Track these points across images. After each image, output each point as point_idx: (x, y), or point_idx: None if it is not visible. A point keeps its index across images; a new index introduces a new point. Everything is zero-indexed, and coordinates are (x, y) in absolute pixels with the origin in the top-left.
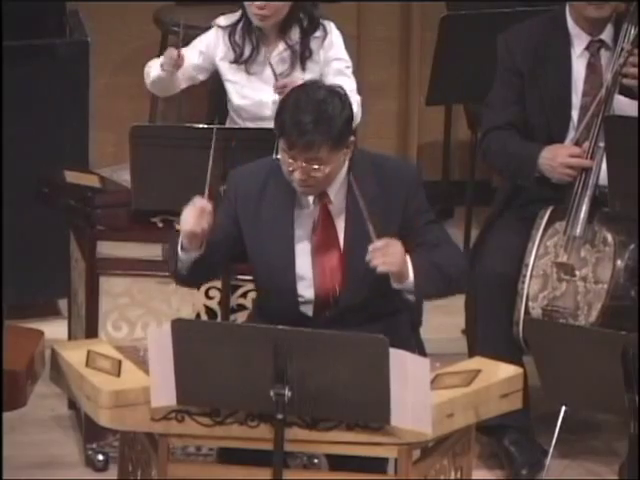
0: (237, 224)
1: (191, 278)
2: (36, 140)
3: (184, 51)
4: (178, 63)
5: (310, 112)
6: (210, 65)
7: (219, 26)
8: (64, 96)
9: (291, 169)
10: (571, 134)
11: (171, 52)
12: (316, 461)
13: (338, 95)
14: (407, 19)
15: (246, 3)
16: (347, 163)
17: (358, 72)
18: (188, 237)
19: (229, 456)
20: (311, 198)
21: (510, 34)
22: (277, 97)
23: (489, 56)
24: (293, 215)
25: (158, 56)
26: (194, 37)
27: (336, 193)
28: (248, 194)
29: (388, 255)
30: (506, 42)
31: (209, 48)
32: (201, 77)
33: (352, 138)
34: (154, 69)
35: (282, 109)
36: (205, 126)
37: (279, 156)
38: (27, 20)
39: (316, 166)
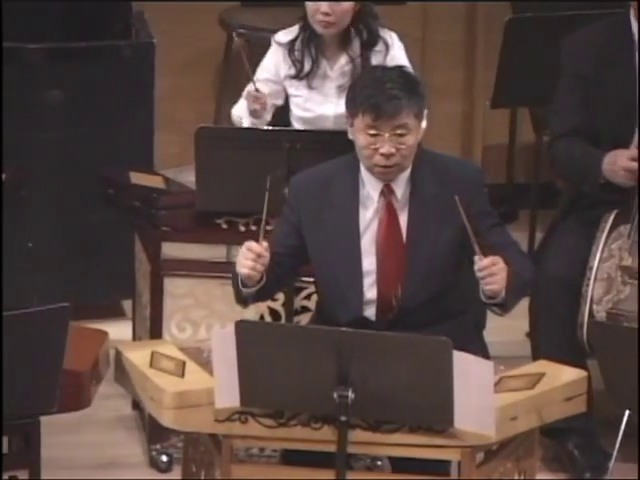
0: (299, 232)
1: (259, 301)
2: (101, 141)
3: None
4: (263, 105)
5: (394, 81)
6: (282, 85)
7: (279, 43)
8: (129, 97)
9: (376, 146)
10: (637, 138)
11: (251, 99)
12: (379, 463)
13: (407, 72)
14: (472, 22)
15: (310, 11)
16: (412, 160)
17: (422, 75)
18: (245, 279)
19: (292, 458)
20: (376, 195)
21: (573, 38)
22: (339, 111)
23: (554, 58)
24: (358, 215)
25: (224, 59)
26: (259, 39)
27: (400, 189)
28: (310, 199)
29: (496, 275)
30: (569, 47)
31: (274, 70)
32: (280, 102)
33: (426, 111)
34: (245, 120)
35: (355, 91)
36: (270, 128)
37: (357, 141)
38: (93, 21)
39: (402, 131)
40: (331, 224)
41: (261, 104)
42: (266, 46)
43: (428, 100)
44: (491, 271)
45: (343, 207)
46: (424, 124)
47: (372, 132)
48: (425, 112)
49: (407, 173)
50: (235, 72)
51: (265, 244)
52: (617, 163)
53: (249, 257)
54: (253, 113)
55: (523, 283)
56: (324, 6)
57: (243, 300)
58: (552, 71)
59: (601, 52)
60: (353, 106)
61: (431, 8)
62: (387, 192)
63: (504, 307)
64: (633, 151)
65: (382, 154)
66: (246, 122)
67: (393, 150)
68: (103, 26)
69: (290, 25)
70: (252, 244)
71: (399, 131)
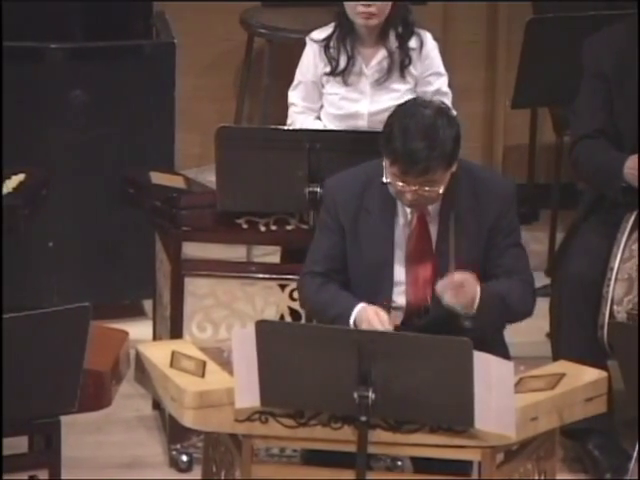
0: (343, 233)
1: None
2: (122, 141)
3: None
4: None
5: (421, 139)
6: (322, 87)
7: (314, 40)
8: (150, 97)
9: (403, 191)
10: None
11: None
12: (400, 463)
13: (445, 114)
14: (493, 22)
15: (351, 3)
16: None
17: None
18: None
19: (313, 458)
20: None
21: (595, 39)
22: (373, 109)
23: (575, 59)
24: (394, 225)
25: (245, 59)
26: (280, 39)
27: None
28: (347, 202)
29: (460, 295)
30: (591, 47)
31: (312, 73)
32: (322, 102)
33: (458, 152)
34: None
35: (391, 136)
36: (291, 128)
37: (388, 180)
38: (114, 21)
39: (429, 187)
40: (366, 232)
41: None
42: (287, 46)
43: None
44: (458, 291)
45: (379, 216)
46: (457, 164)
47: (399, 181)
48: (457, 154)
49: None
50: (256, 72)
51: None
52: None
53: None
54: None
55: (506, 308)
56: None
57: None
58: (573, 71)
59: (622, 52)
60: (385, 149)
61: (452, 8)
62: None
63: (474, 320)
64: None
65: (408, 199)
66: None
67: (417, 197)
68: (124, 26)
69: (311, 24)
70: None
71: (426, 186)
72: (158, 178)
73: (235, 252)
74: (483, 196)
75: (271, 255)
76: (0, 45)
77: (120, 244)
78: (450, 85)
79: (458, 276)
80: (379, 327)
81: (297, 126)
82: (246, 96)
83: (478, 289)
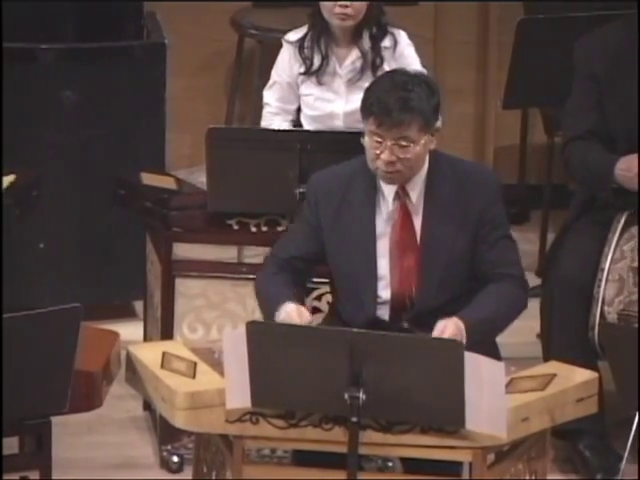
0: (319, 236)
1: None
2: (113, 141)
3: None
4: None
5: (401, 90)
6: (297, 87)
7: (289, 42)
8: (141, 98)
9: (378, 151)
10: None
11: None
12: (390, 464)
13: (426, 81)
14: (484, 22)
15: (328, 4)
16: (427, 164)
17: (435, 76)
18: None
19: (304, 458)
20: (390, 198)
21: (587, 40)
22: (348, 109)
23: (566, 60)
24: (375, 218)
25: (236, 60)
26: (271, 40)
27: (415, 193)
28: (329, 196)
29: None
30: (583, 48)
31: (288, 73)
32: (297, 104)
33: (438, 125)
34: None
35: (369, 92)
36: (281, 129)
37: (365, 141)
38: (105, 22)
39: (404, 143)
40: (348, 224)
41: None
42: (278, 46)
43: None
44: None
45: (360, 208)
46: (439, 124)
47: (376, 138)
48: (437, 124)
49: (423, 176)
50: (247, 73)
51: (305, 314)
52: (632, 170)
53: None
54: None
55: (494, 327)
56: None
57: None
58: (564, 72)
59: (615, 53)
60: (362, 107)
61: (443, 8)
62: (402, 194)
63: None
64: None
65: (383, 160)
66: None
67: (394, 158)
68: (115, 27)
69: (302, 25)
70: (295, 315)
71: (402, 142)
72: (149, 179)
73: (226, 253)
74: (468, 187)
75: (262, 256)
76: (0, 45)
77: (111, 245)
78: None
79: (436, 330)
80: (297, 320)
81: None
82: (237, 97)
83: (462, 328)
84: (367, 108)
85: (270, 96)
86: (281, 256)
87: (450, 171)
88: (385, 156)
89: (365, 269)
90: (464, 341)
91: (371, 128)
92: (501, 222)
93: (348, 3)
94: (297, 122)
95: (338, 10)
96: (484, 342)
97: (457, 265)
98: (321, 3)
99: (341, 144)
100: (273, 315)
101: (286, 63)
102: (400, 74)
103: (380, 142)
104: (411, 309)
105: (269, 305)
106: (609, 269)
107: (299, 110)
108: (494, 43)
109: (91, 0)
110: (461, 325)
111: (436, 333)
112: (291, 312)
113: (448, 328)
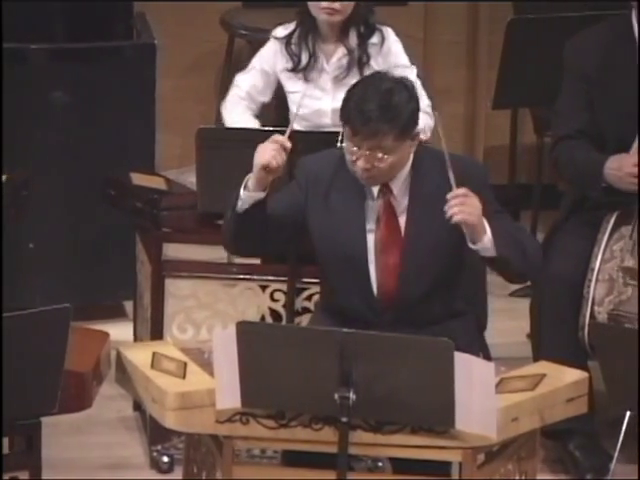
0: (301, 210)
1: (242, 234)
2: (103, 142)
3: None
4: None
5: (376, 101)
6: (274, 82)
7: (276, 37)
8: (131, 98)
9: (354, 158)
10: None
11: (276, 151)
12: (380, 464)
13: (405, 86)
14: (474, 22)
15: (313, 5)
16: (411, 159)
17: (424, 75)
18: (260, 172)
19: (294, 459)
20: (375, 191)
21: (576, 40)
22: (336, 106)
23: (556, 60)
24: (364, 205)
25: (225, 60)
26: (261, 40)
27: (399, 189)
28: (319, 180)
29: (466, 205)
30: (573, 48)
31: (270, 65)
32: (266, 99)
33: (418, 131)
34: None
35: (348, 98)
36: (271, 128)
37: (343, 144)
38: (95, 22)
39: (380, 155)
40: (337, 208)
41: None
42: None
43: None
44: (463, 201)
45: (349, 193)
46: (413, 142)
47: (352, 145)
48: (415, 132)
49: (406, 171)
50: (236, 73)
51: (289, 143)
52: (623, 170)
53: (271, 147)
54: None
55: (520, 244)
56: None
57: (231, 225)
58: (554, 72)
59: (604, 53)
60: (341, 112)
61: (433, 8)
62: (385, 190)
63: (494, 251)
64: (638, 157)
65: (359, 166)
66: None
67: (369, 166)
68: (105, 27)
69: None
70: (277, 136)
71: (377, 152)
72: (139, 179)
73: (216, 253)
74: (455, 179)
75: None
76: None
77: (101, 245)
78: (427, 84)
79: (460, 189)
80: (266, 150)
81: (227, 108)
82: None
83: (483, 218)
84: (345, 115)
85: (243, 80)
86: None
87: (435, 163)
88: (361, 163)
89: (357, 257)
90: (486, 226)
91: (348, 135)
92: (491, 200)
93: None
94: (259, 115)
95: (325, 4)
96: (507, 247)
97: (440, 254)
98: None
99: (331, 144)
100: (235, 202)
101: (271, 55)
102: (379, 79)
103: (356, 149)
104: (396, 304)
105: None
106: (599, 269)
107: (277, 108)
108: (484, 43)
109: (81, 0)
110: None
111: (456, 191)
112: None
113: (470, 193)
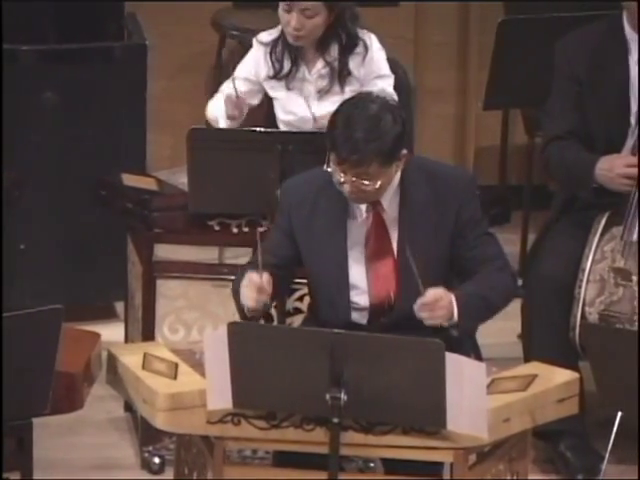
0: (293, 240)
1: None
2: (94, 143)
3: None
4: (241, 111)
5: (361, 128)
6: (260, 86)
7: (260, 42)
8: (122, 99)
9: (342, 181)
10: (630, 141)
11: (232, 104)
12: (372, 465)
13: (390, 110)
14: (465, 23)
15: (282, 21)
16: (400, 172)
17: (415, 76)
18: (252, 311)
19: (285, 459)
20: (364, 207)
21: (567, 41)
22: (320, 113)
23: (546, 60)
24: (346, 225)
25: (216, 61)
26: (252, 41)
27: (389, 202)
28: (301, 203)
29: (436, 310)
30: (564, 49)
31: (254, 70)
32: (256, 102)
33: (404, 152)
34: (221, 120)
35: (333, 124)
36: (262, 130)
37: (330, 169)
38: (86, 23)
39: (366, 182)
40: (320, 232)
41: (239, 110)
42: None
43: (420, 102)
44: (433, 307)
45: (332, 216)
46: (400, 162)
47: (339, 171)
48: (402, 153)
49: (395, 186)
50: (228, 73)
51: (266, 276)
52: (614, 170)
53: (252, 290)
54: (231, 117)
55: (489, 306)
56: (293, 20)
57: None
58: (544, 72)
59: (595, 54)
60: (327, 136)
61: (424, 9)
62: (374, 204)
63: (458, 331)
64: (629, 158)
65: (347, 191)
66: (222, 123)
67: (356, 190)
68: (96, 28)
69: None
70: (252, 277)
71: (363, 179)
72: (130, 180)
73: (207, 254)
74: (442, 189)
75: (243, 257)
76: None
77: (92, 246)
78: (417, 85)
79: (428, 295)
80: (248, 295)
81: (210, 111)
82: None
83: (453, 299)
84: (330, 142)
85: (228, 87)
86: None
87: (423, 175)
88: (347, 188)
89: (337, 277)
90: (455, 311)
91: (334, 161)
92: (478, 219)
93: (299, 26)
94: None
95: (289, 30)
96: (475, 320)
97: (435, 268)
98: (279, 15)
99: (322, 145)
100: (239, 290)
101: (253, 64)
102: (364, 104)
103: (343, 174)
104: (390, 314)
105: (236, 284)
106: (590, 269)
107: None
108: (474, 43)
109: (72, 1)
110: (450, 295)
111: (425, 299)
112: (252, 275)
113: (438, 292)
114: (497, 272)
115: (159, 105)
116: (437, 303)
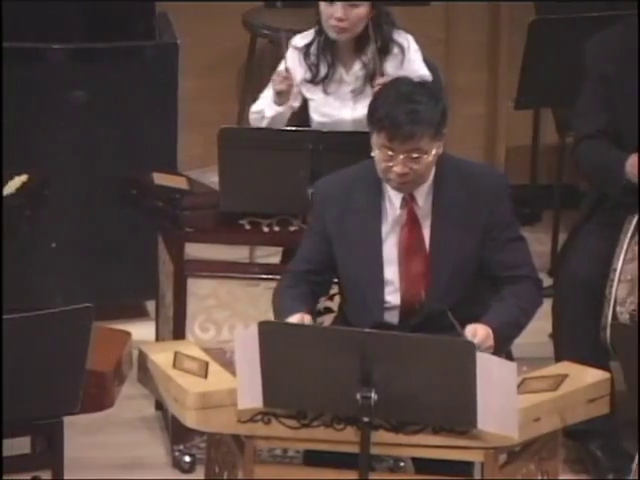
0: (328, 242)
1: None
2: (124, 142)
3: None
4: (290, 87)
5: (404, 104)
6: (298, 89)
7: (295, 47)
8: (153, 98)
9: (390, 164)
10: None
11: (279, 79)
12: (402, 464)
13: (428, 88)
14: (495, 22)
15: (324, 15)
16: (434, 168)
17: (446, 76)
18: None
19: (315, 458)
20: (398, 203)
21: (598, 39)
22: (356, 115)
23: (577, 60)
24: (380, 222)
25: (247, 60)
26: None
27: (424, 198)
28: (334, 201)
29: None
30: (594, 48)
31: (291, 74)
32: (297, 104)
33: (445, 130)
34: (267, 110)
35: (375, 106)
36: (293, 129)
37: (375, 154)
38: (117, 22)
39: (416, 155)
40: (354, 231)
41: (288, 85)
42: None
43: (451, 102)
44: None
45: (366, 214)
46: (441, 142)
47: (387, 151)
48: (444, 131)
49: (430, 181)
50: (258, 73)
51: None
52: None
53: (278, 80)
54: (279, 96)
55: (519, 329)
56: (338, 11)
57: None
58: (575, 72)
59: (625, 53)
60: (370, 122)
61: (454, 9)
62: (409, 200)
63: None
64: None
65: (396, 172)
66: (268, 112)
67: (407, 170)
68: (127, 27)
69: (313, 25)
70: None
71: (414, 154)
72: (161, 179)
73: (238, 253)
74: (475, 189)
75: (274, 256)
76: (0, 45)
77: (122, 245)
78: (448, 84)
79: (467, 332)
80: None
81: (253, 108)
82: (249, 97)
83: (490, 333)
84: (376, 122)
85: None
86: (296, 270)
87: (456, 174)
88: (398, 169)
89: (371, 275)
90: (492, 344)
91: (382, 142)
92: (510, 223)
93: (344, 16)
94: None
95: (333, 23)
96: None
97: (466, 268)
98: (321, 12)
99: (352, 144)
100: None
101: (289, 67)
102: (404, 84)
103: (392, 155)
104: (420, 312)
105: (279, 319)
106: (621, 269)
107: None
108: (505, 43)
109: (103, 0)
110: (489, 330)
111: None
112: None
113: (479, 331)
114: (527, 287)
115: (190, 104)
116: (475, 340)
